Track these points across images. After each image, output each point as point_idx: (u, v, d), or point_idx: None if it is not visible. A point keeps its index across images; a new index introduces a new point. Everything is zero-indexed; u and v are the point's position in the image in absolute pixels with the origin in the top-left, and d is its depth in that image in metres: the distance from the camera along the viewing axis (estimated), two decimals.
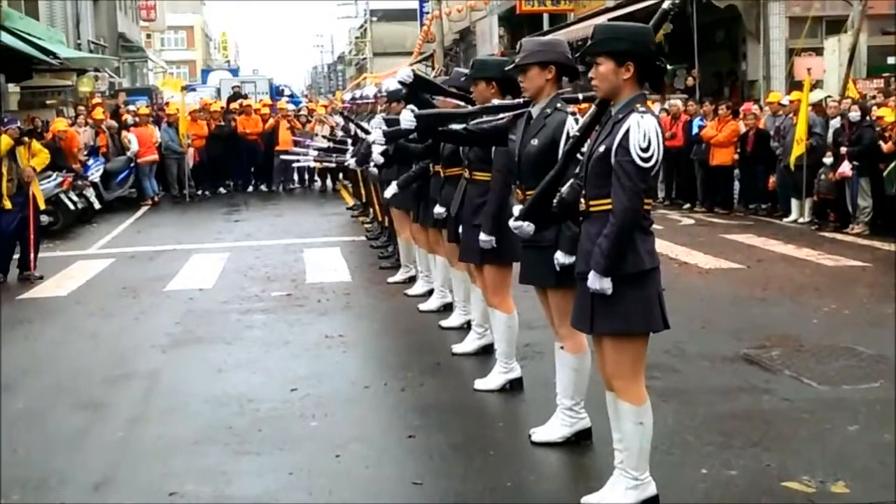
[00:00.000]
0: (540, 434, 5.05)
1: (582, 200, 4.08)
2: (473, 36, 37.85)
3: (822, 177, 12.97)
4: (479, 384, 6.04)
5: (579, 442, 4.99)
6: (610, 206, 3.92)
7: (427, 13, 41.04)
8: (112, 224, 15.80)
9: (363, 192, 13.37)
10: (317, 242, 12.96)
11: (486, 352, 6.71)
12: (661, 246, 11.22)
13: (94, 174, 16.89)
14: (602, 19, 19.94)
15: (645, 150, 3.82)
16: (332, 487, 4.59)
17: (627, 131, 3.84)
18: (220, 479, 4.73)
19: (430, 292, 8.51)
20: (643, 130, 3.82)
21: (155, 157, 19.03)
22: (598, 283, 3.90)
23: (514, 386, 5.98)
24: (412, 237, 8.61)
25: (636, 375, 4.11)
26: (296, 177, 21.74)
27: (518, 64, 4.83)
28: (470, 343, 6.90)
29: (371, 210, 13.13)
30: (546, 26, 28.63)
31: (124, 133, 18.92)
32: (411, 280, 9.37)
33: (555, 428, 5.03)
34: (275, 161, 20.95)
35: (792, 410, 5.56)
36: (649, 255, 3.98)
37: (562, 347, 4.96)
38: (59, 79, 23.36)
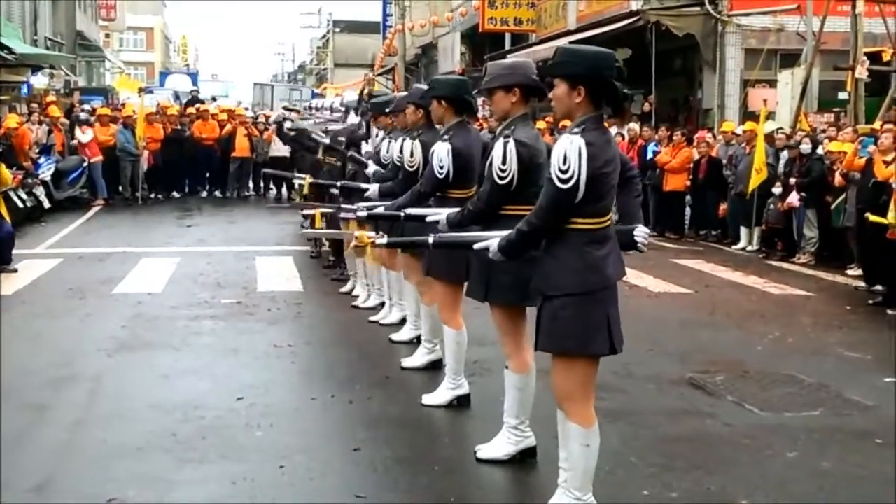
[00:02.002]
0: (485, 451, 5.07)
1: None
2: (436, 51, 37.99)
3: (771, 206, 13.18)
4: (427, 399, 6.04)
5: (524, 460, 5.02)
6: (573, 225, 3.96)
7: (390, 27, 41.09)
8: (61, 224, 15.61)
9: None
10: (269, 251, 12.91)
11: (435, 367, 6.73)
12: None
13: (45, 172, 16.70)
14: (564, 41, 20.13)
15: (563, 171, 3.84)
16: (275, 498, 4.58)
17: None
18: (161, 486, 4.70)
19: (382, 305, 8.51)
20: (563, 150, 3.85)
21: (100, 157, 18.78)
22: (494, 255, 4.24)
23: (461, 402, 5.99)
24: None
25: (585, 397, 4.13)
26: (251, 184, 21.67)
27: (483, 88, 4.88)
28: (419, 357, 6.92)
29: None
30: (508, 45, 28.81)
31: (85, 127, 18.73)
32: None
33: (500, 445, 5.05)
34: (230, 167, 20.89)
35: (734, 435, 5.64)
36: (595, 275, 3.98)
37: (506, 367, 5.00)
38: (13, 74, 23.08)
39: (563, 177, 3.84)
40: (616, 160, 4.04)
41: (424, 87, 6.49)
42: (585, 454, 4.12)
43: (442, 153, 5.66)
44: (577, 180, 3.83)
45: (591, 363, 4.10)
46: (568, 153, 3.84)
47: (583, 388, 4.11)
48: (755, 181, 13.14)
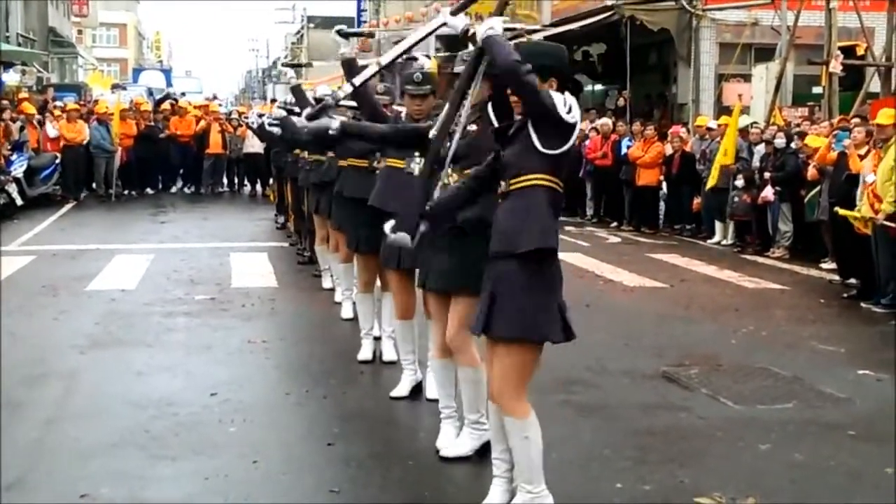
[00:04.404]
0: (449, 450, 5.04)
1: (502, 182, 4.02)
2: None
3: (736, 199, 13.25)
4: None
5: (484, 453, 4.98)
6: (529, 182, 3.91)
7: (364, 22, 41.01)
8: (35, 221, 15.50)
9: (287, 197, 13.15)
10: (244, 247, 12.87)
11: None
12: (588, 263, 11.46)
13: (18, 169, 16.55)
14: (538, 36, 20.12)
15: (568, 112, 3.85)
16: (248, 494, 4.56)
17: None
18: (135, 483, 4.67)
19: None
20: (567, 102, 3.86)
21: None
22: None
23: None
24: (335, 247, 8.49)
25: (522, 387, 4.03)
26: (225, 180, 21.63)
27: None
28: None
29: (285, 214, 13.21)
30: None
31: (54, 122, 18.68)
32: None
33: (463, 442, 5.03)
34: (204, 163, 20.84)
35: (707, 428, 5.66)
36: (554, 237, 3.97)
37: (459, 363, 4.91)
38: None
39: (569, 118, 3.85)
40: None
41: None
42: (527, 446, 4.03)
43: None
44: (574, 126, 3.88)
45: (535, 349, 4.07)
46: (572, 105, 3.88)
47: (521, 376, 4.06)
48: (717, 164, 13.24)
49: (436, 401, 5.45)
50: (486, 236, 4.09)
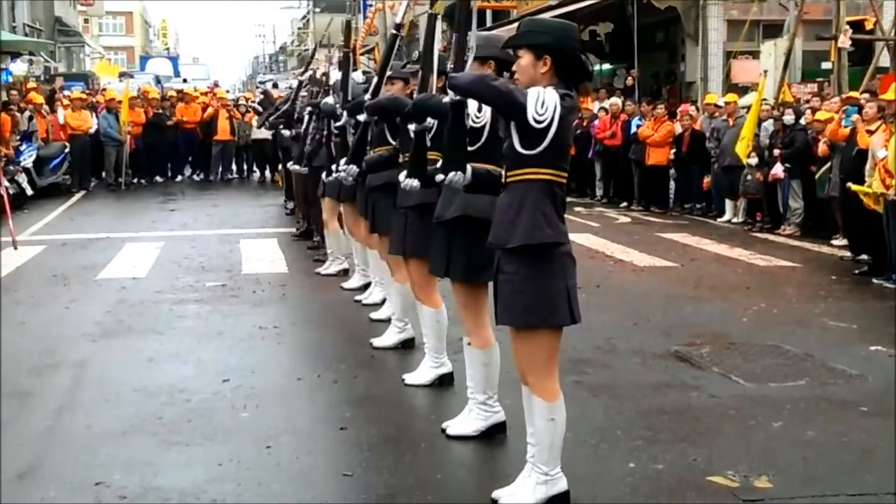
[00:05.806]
0: (454, 428, 5.06)
1: (503, 172, 4.08)
2: (416, 30, 37.80)
3: (748, 177, 13.19)
4: (410, 379, 6.00)
5: (494, 435, 5.00)
6: (523, 177, 3.94)
7: (370, 6, 40.91)
8: (44, 211, 15.52)
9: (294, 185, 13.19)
10: (253, 233, 12.87)
11: (407, 346, 6.77)
12: (597, 243, 11.43)
13: (27, 160, 16.57)
14: (545, 17, 20.05)
15: (540, 114, 3.81)
16: (261, 479, 4.56)
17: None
18: (147, 469, 4.67)
19: (367, 286, 8.48)
20: (541, 95, 3.82)
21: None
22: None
23: (444, 381, 5.93)
24: (350, 230, 8.54)
25: (549, 370, 4.09)
26: (234, 167, 21.63)
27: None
28: (390, 337, 6.87)
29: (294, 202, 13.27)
30: (489, 22, 28.75)
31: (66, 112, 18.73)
32: (345, 272, 9.36)
33: (469, 422, 5.04)
34: (213, 150, 20.84)
35: (719, 406, 5.65)
36: (554, 231, 3.95)
37: (469, 343, 4.98)
38: None
39: (539, 118, 3.82)
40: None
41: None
42: (551, 428, 4.07)
43: None
44: (549, 125, 3.83)
45: (553, 334, 4.08)
46: (546, 100, 3.82)
47: (546, 360, 4.10)
48: (742, 150, 13.13)
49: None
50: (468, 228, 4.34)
